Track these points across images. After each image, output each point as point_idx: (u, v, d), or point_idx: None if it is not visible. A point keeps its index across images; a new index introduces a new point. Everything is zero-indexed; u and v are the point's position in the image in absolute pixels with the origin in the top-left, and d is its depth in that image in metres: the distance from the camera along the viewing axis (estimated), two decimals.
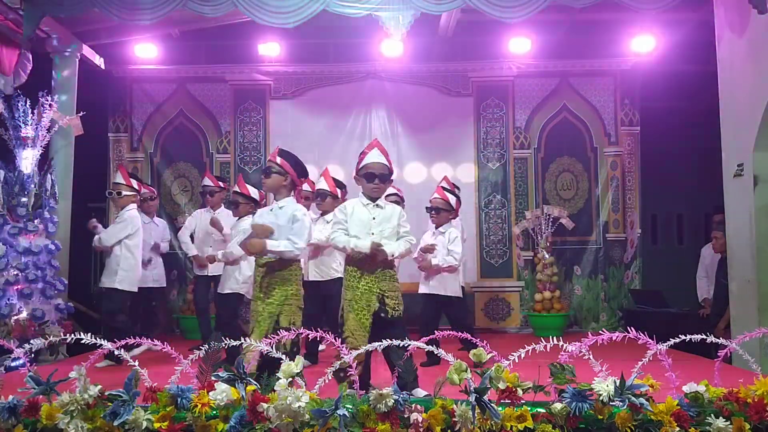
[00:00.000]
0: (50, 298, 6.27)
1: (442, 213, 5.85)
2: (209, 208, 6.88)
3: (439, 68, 8.97)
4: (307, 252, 5.33)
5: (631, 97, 8.98)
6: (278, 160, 4.23)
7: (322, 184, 5.95)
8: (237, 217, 6.00)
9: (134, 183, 6.42)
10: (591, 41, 8.86)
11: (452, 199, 5.88)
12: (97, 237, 6.27)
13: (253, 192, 5.95)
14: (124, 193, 6.28)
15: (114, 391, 2.81)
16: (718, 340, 3.08)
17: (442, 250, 5.76)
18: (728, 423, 2.76)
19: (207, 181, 6.92)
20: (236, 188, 5.98)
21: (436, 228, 5.92)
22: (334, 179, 6.02)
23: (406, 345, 3.00)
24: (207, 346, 2.88)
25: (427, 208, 6.07)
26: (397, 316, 4.19)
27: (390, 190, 5.77)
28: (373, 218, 4.28)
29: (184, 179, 8.94)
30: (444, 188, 6.00)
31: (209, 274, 6.63)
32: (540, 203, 8.80)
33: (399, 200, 6.10)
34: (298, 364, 2.86)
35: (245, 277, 5.78)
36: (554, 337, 2.92)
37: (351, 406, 2.74)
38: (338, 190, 5.93)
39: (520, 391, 2.83)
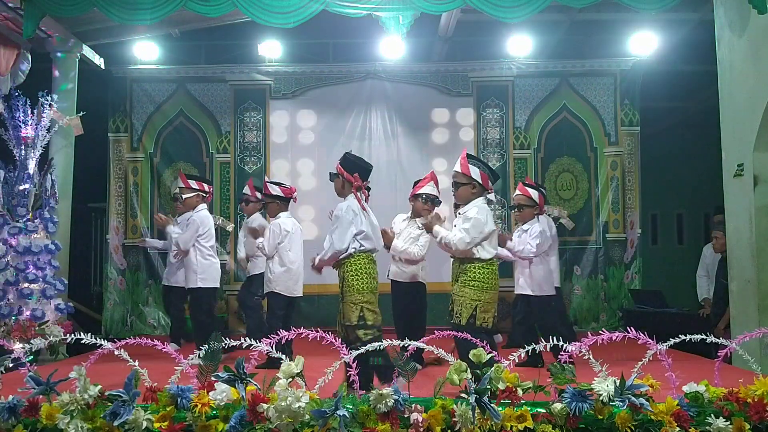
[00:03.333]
0: (50, 298, 6.27)
1: (525, 209, 5.78)
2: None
3: (439, 68, 8.97)
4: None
5: (631, 97, 8.98)
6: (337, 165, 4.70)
7: (430, 189, 5.78)
8: (272, 217, 6.10)
9: (193, 183, 6.55)
10: (591, 41, 8.87)
11: (534, 194, 5.77)
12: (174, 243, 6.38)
13: (274, 189, 6.02)
14: (185, 196, 6.48)
15: (114, 391, 2.81)
16: (718, 340, 3.08)
17: (524, 247, 5.67)
18: (728, 423, 2.76)
19: (247, 190, 6.91)
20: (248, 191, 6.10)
21: (522, 224, 5.84)
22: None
23: (405, 345, 3.00)
24: (207, 346, 2.88)
25: (509, 206, 6.07)
26: None
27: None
28: None
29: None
30: (525, 184, 5.96)
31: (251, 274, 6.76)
32: None
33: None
34: (298, 364, 2.86)
35: (276, 275, 5.84)
36: (554, 337, 2.92)
37: (351, 406, 2.75)
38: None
39: (520, 391, 2.83)
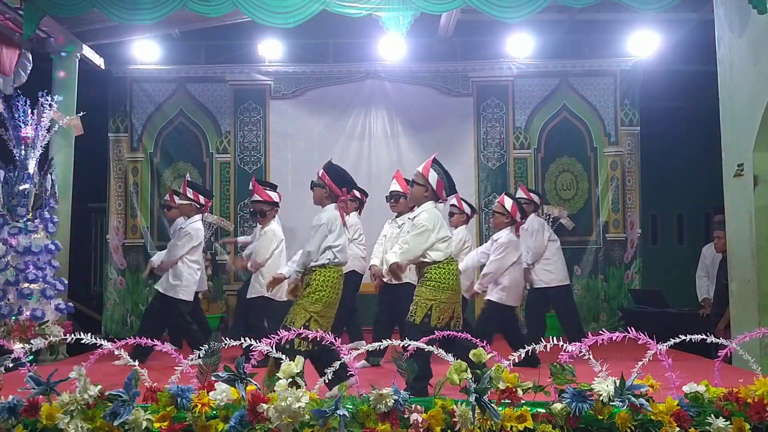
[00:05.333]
0: (50, 298, 6.27)
1: (497, 217, 5.96)
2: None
3: (439, 68, 8.97)
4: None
5: (631, 97, 8.98)
6: (320, 173, 4.60)
7: (395, 186, 5.97)
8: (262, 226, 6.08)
9: (189, 192, 6.39)
10: (591, 41, 8.88)
11: (508, 204, 5.89)
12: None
13: (274, 196, 6.03)
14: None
15: (114, 391, 2.81)
16: (718, 340, 3.08)
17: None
18: (728, 423, 2.76)
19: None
20: (255, 197, 6.04)
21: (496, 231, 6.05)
22: (406, 180, 5.95)
23: (406, 345, 3.00)
24: (207, 346, 2.88)
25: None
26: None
27: None
28: None
29: (184, 179, 8.92)
30: (506, 194, 6.15)
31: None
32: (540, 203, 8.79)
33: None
34: (298, 364, 2.86)
35: (265, 280, 5.82)
36: (554, 337, 2.92)
37: (351, 406, 2.75)
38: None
39: (520, 391, 2.83)
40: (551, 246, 6.53)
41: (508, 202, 5.90)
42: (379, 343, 2.97)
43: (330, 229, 4.48)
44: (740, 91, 5.85)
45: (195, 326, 6.23)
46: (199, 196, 6.43)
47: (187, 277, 6.16)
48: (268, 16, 5.99)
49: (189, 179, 6.98)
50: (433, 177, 4.66)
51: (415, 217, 4.67)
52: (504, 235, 5.86)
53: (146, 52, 8.49)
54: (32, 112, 6.38)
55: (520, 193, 6.64)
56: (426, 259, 4.56)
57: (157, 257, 6.58)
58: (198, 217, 6.38)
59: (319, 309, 4.38)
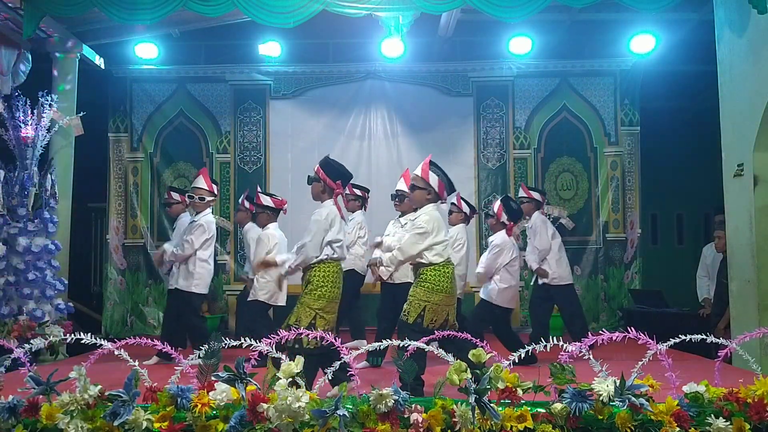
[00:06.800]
0: (50, 298, 6.27)
1: (490, 220, 6.23)
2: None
3: (439, 68, 8.98)
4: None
5: (631, 97, 8.98)
6: (316, 168, 4.62)
7: (401, 185, 5.94)
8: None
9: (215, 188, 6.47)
10: (591, 41, 8.87)
11: (496, 206, 6.07)
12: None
13: (266, 200, 6.05)
14: (207, 198, 6.26)
15: (114, 391, 2.81)
16: (718, 340, 3.08)
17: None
18: (728, 423, 2.76)
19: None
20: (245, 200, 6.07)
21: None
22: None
23: (406, 345, 3.00)
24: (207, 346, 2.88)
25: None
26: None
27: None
28: None
29: (184, 179, 8.93)
30: (503, 197, 6.32)
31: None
32: None
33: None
34: (298, 364, 2.86)
35: (261, 284, 5.89)
36: (554, 337, 2.92)
37: (351, 406, 2.74)
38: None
39: (520, 391, 2.83)
40: (554, 244, 6.53)
41: (496, 205, 6.06)
42: (379, 344, 2.97)
43: (330, 225, 4.49)
44: (740, 91, 5.85)
45: (206, 324, 6.25)
46: (213, 186, 6.49)
47: (200, 271, 6.16)
48: (268, 16, 5.99)
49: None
50: (433, 179, 4.68)
51: (416, 219, 4.70)
52: (498, 236, 6.03)
53: (146, 52, 8.49)
54: (32, 112, 6.39)
55: (522, 192, 6.64)
56: (422, 260, 4.57)
57: (169, 245, 6.52)
58: (209, 210, 6.36)
59: (324, 305, 4.41)
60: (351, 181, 5.25)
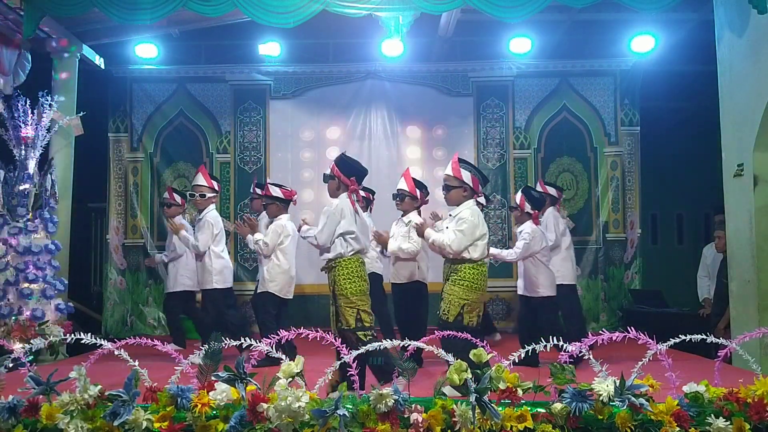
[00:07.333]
0: (50, 298, 6.27)
1: (516, 212, 6.08)
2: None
3: (439, 68, 8.97)
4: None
5: (631, 97, 8.97)
6: (331, 165, 4.71)
7: (402, 184, 5.91)
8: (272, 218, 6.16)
9: (215, 184, 6.49)
10: (591, 41, 8.86)
11: (518, 197, 5.99)
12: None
13: (275, 191, 6.08)
14: (208, 195, 6.32)
15: (114, 391, 2.81)
16: (718, 340, 3.08)
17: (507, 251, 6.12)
18: (728, 423, 2.76)
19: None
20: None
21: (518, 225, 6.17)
22: (414, 179, 5.95)
23: (405, 345, 3.00)
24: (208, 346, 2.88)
25: (509, 207, 6.22)
26: None
27: None
28: None
29: (184, 179, 8.92)
30: (525, 188, 6.23)
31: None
32: None
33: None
34: (298, 364, 2.86)
35: (273, 276, 5.95)
36: (554, 337, 2.92)
37: (351, 406, 2.75)
38: (417, 191, 5.85)
39: (520, 391, 2.83)
40: (563, 241, 6.49)
41: (518, 197, 6.02)
42: (378, 344, 2.97)
43: (342, 215, 4.54)
44: (740, 91, 5.85)
45: (234, 316, 6.26)
46: (213, 183, 6.48)
47: (216, 267, 6.18)
48: (268, 16, 5.99)
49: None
50: (466, 175, 4.75)
51: (457, 215, 4.73)
52: (526, 226, 5.94)
53: (146, 52, 8.48)
54: (32, 112, 6.38)
55: (538, 188, 6.61)
56: (465, 255, 4.62)
57: (160, 255, 6.55)
58: (212, 207, 6.38)
59: (363, 298, 4.51)
60: None
